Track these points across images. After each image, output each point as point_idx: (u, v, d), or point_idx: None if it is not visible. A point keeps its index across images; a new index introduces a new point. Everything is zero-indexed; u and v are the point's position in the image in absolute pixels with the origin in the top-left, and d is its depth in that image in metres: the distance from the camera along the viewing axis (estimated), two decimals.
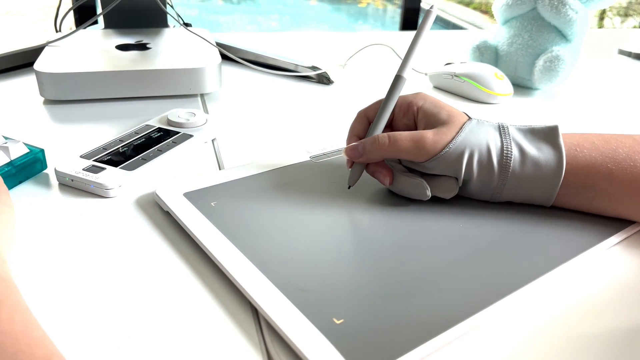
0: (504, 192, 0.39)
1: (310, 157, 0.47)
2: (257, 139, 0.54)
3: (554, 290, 0.32)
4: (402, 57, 0.43)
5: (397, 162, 0.42)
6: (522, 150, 0.38)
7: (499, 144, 0.38)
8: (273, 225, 0.36)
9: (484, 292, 0.31)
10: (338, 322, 0.28)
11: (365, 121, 0.42)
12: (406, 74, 0.42)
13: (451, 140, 0.38)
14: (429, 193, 0.39)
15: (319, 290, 0.30)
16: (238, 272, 0.31)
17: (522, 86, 0.75)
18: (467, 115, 0.40)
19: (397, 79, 0.42)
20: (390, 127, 0.43)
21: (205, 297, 0.31)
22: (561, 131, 0.39)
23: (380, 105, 0.42)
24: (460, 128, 0.38)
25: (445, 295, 0.30)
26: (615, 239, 0.37)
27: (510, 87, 0.69)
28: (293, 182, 0.43)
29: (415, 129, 0.41)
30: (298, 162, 0.46)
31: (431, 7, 0.42)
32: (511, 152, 0.38)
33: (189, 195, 0.39)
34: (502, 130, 0.39)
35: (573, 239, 0.37)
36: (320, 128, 0.57)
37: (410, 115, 0.41)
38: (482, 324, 0.29)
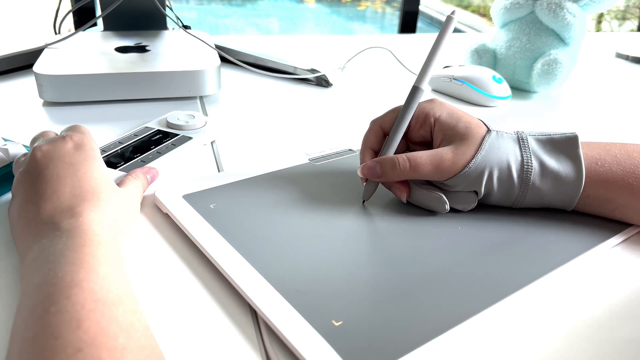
0: (524, 202, 0.39)
1: (309, 160, 0.47)
2: (256, 141, 0.54)
3: (554, 292, 0.33)
4: (421, 66, 0.41)
5: None
6: (542, 164, 0.37)
7: (519, 158, 0.37)
8: (272, 228, 0.37)
9: (483, 294, 0.31)
10: (337, 324, 0.28)
11: (380, 133, 0.41)
12: (424, 85, 0.40)
13: (471, 160, 0.37)
14: (447, 207, 0.38)
15: (318, 293, 0.30)
16: (237, 274, 0.32)
17: (520, 89, 0.75)
18: (485, 124, 0.39)
19: (414, 91, 0.40)
20: (405, 137, 0.41)
21: (205, 299, 0.31)
22: (581, 140, 0.38)
23: (395, 116, 0.40)
24: (480, 145, 0.37)
25: (444, 298, 0.31)
26: (615, 240, 0.38)
27: (508, 90, 0.69)
28: (292, 184, 0.43)
29: (431, 140, 0.40)
30: (297, 165, 0.46)
31: (452, 13, 0.40)
32: (531, 166, 0.37)
33: (188, 198, 0.39)
34: (521, 142, 0.38)
35: (573, 240, 0.37)
36: (319, 131, 0.57)
37: (427, 127, 0.40)
38: (481, 326, 0.29)
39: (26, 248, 0.30)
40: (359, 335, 0.27)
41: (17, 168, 0.37)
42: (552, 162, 0.38)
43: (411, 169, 0.38)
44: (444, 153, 0.37)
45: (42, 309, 0.24)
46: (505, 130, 0.39)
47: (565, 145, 0.38)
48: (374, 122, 0.42)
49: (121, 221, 0.34)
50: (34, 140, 0.38)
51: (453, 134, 0.38)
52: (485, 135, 0.38)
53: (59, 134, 0.38)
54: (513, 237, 0.37)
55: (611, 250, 0.37)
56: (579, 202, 0.39)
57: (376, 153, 0.41)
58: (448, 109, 0.40)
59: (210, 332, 0.29)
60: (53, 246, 0.28)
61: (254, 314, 0.30)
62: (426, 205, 0.39)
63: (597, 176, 0.38)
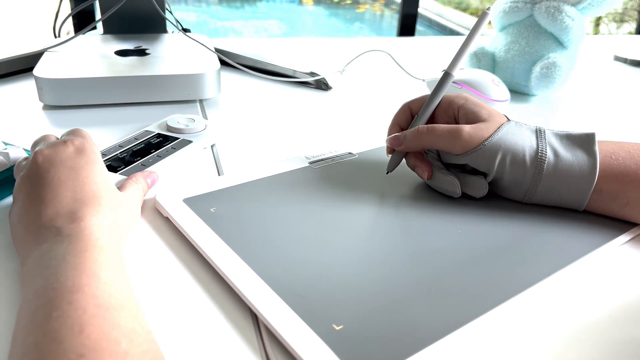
0: (536, 194, 0.40)
1: (309, 163, 0.47)
2: (256, 144, 0.54)
3: (560, 293, 0.33)
4: (454, 56, 0.44)
5: (437, 158, 0.44)
6: (556, 154, 0.39)
7: (534, 146, 0.39)
8: (272, 231, 0.37)
9: (485, 296, 0.31)
10: (337, 328, 0.28)
11: (408, 113, 0.45)
12: (455, 72, 0.44)
13: (488, 138, 0.39)
14: (459, 191, 0.41)
15: (319, 296, 0.30)
16: (238, 277, 0.32)
17: (519, 92, 0.75)
18: (507, 117, 0.42)
19: (446, 76, 0.43)
20: (430, 122, 0.44)
21: (205, 303, 0.31)
22: (597, 139, 0.39)
23: (424, 99, 0.44)
24: (498, 128, 0.40)
25: (445, 301, 0.31)
26: (622, 238, 0.38)
27: (507, 94, 0.69)
28: (292, 187, 0.43)
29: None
30: (297, 168, 0.46)
31: (487, 9, 0.45)
32: (546, 154, 0.38)
33: (189, 201, 0.40)
34: (539, 133, 0.40)
35: (579, 239, 0.37)
36: (318, 134, 0.58)
37: (450, 113, 0.43)
38: (484, 328, 0.29)
39: (27, 252, 0.30)
40: (359, 339, 0.27)
41: (18, 172, 0.37)
42: (567, 155, 0.39)
43: (428, 131, 0.41)
44: (463, 126, 0.40)
45: (44, 314, 0.24)
46: (526, 123, 0.41)
47: (582, 141, 0.39)
48: (404, 104, 0.45)
49: (122, 225, 0.34)
50: (35, 144, 0.38)
51: (475, 118, 0.41)
52: (504, 122, 0.40)
53: (59, 137, 0.39)
54: (517, 238, 0.37)
55: (618, 248, 0.37)
56: (590, 199, 0.39)
57: (402, 130, 0.44)
58: (473, 99, 0.43)
59: (211, 336, 0.29)
60: (54, 251, 0.28)
61: (255, 318, 0.30)
62: (440, 188, 0.42)
63: (611, 169, 0.38)
